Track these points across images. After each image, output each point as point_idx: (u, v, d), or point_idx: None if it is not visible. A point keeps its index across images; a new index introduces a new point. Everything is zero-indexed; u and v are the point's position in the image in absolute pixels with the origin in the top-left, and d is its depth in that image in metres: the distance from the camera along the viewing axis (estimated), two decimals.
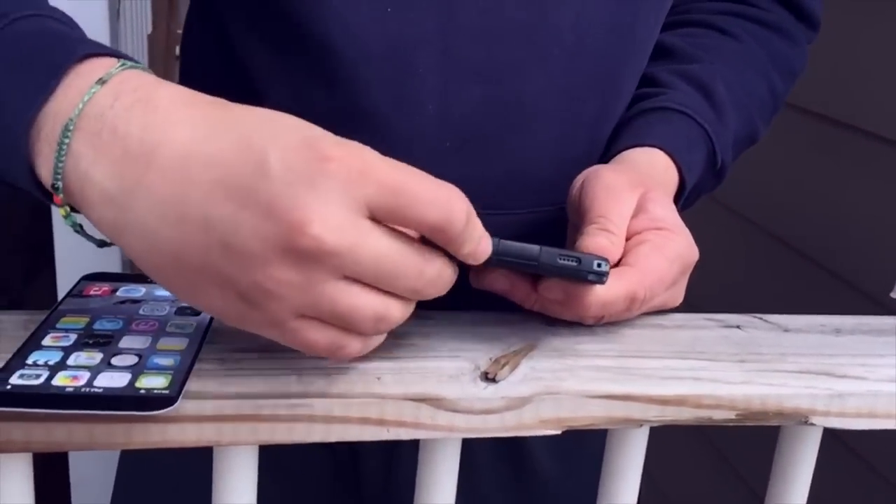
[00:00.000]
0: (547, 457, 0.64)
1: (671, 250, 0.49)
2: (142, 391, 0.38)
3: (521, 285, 0.48)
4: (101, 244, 0.41)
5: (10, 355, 0.40)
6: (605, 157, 0.58)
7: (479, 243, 0.40)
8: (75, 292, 0.47)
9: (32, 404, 0.37)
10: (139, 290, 0.47)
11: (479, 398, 0.42)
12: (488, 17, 0.52)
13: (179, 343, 0.42)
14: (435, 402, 0.42)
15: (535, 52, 0.54)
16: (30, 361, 0.40)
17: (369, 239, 0.36)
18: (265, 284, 0.36)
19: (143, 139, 0.37)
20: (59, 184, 0.38)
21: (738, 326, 0.52)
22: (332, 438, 0.41)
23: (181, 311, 0.45)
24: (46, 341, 0.41)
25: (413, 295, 0.39)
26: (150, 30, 2.23)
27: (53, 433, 0.38)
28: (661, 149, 0.57)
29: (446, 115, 0.53)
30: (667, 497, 1.48)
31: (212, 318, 0.45)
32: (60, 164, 0.37)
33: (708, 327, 0.52)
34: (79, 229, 0.40)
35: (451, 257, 0.40)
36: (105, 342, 0.42)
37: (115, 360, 0.40)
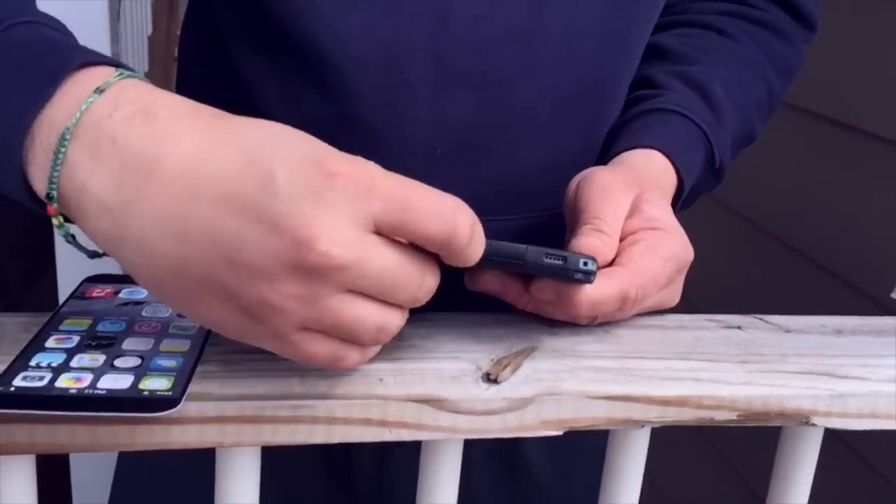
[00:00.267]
0: (541, 457, 0.64)
1: (665, 250, 0.49)
2: (145, 393, 0.38)
3: (514, 286, 0.48)
4: (94, 255, 0.41)
5: (13, 357, 0.40)
6: (603, 160, 0.58)
7: (477, 251, 0.40)
8: (78, 294, 0.47)
9: (36, 406, 0.37)
10: (141, 292, 0.47)
11: (481, 399, 0.42)
12: (480, 25, 0.52)
13: (182, 345, 0.42)
14: (437, 403, 0.42)
15: (528, 60, 0.54)
16: (33, 363, 0.40)
17: (374, 253, 0.36)
18: (270, 299, 0.36)
19: (144, 150, 0.36)
20: (54, 193, 0.37)
21: (738, 327, 0.52)
22: (335, 440, 0.41)
23: None
24: (49, 343, 0.41)
25: (411, 304, 0.39)
26: (150, 31, 2.24)
27: (57, 435, 0.38)
28: (659, 150, 0.57)
29: (438, 123, 0.53)
30: (667, 498, 1.48)
31: None
32: (56, 174, 0.37)
33: (709, 328, 0.52)
34: (71, 240, 0.40)
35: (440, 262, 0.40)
36: (108, 344, 0.42)
37: (118, 362, 0.40)
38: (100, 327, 0.43)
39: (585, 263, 0.44)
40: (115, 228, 0.37)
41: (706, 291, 1.07)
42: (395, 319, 0.39)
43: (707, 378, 0.46)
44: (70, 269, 1.44)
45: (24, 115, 0.37)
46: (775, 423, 0.46)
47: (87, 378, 0.39)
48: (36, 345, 0.41)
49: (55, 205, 0.38)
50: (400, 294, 0.38)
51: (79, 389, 0.38)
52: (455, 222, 0.37)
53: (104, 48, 1.39)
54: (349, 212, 0.36)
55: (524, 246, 0.43)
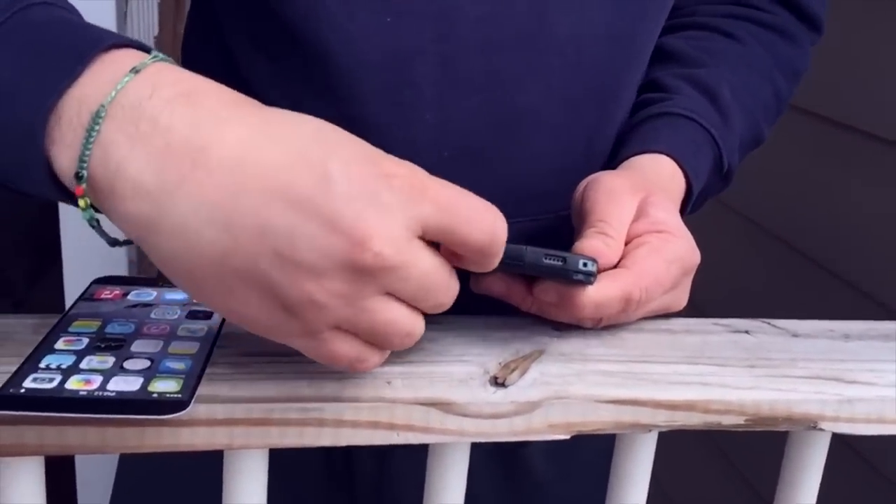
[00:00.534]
0: (543, 459, 0.64)
1: (669, 252, 0.49)
2: (154, 395, 0.38)
3: (518, 288, 0.48)
4: (114, 243, 0.40)
5: (23, 359, 0.40)
6: (612, 164, 0.59)
7: (499, 258, 0.40)
8: (87, 296, 0.47)
9: (46, 408, 0.37)
10: (150, 294, 0.47)
11: (489, 402, 0.42)
12: (486, 28, 0.52)
13: (191, 347, 0.42)
14: (445, 406, 0.42)
15: (534, 63, 0.54)
16: (43, 365, 0.40)
17: (419, 257, 0.37)
18: (315, 296, 0.36)
19: (190, 135, 0.35)
20: (84, 173, 0.36)
21: (746, 331, 0.52)
22: (343, 442, 0.41)
23: (192, 315, 0.45)
24: (59, 345, 0.42)
25: (436, 309, 0.39)
26: (156, 31, 2.24)
27: (66, 436, 0.39)
28: (667, 155, 0.57)
29: (444, 125, 0.53)
30: (673, 502, 1.48)
31: (223, 322, 0.45)
32: (87, 153, 0.35)
33: (716, 332, 0.52)
34: (95, 224, 0.38)
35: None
36: (117, 346, 0.42)
37: (127, 364, 0.40)
38: (109, 329, 0.43)
39: (585, 264, 0.44)
40: (153, 213, 0.35)
41: (713, 295, 1.07)
42: (420, 325, 0.39)
43: (715, 382, 0.46)
44: (77, 268, 1.45)
45: (51, 92, 0.35)
46: (783, 428, 0.46)
47: (97, 380, 0.39)
48: (45, 346, 0.41)
49: (84, 185, 0.36)
50: (431, 299, 0.38)
51: (88, 391, 0.38)
52: (495, 231, 0.38)
53: None
54: (402, 213, 0.36)
55: (523, 246, 0.44)
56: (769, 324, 0.53)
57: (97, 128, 0.35)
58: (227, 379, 0.42)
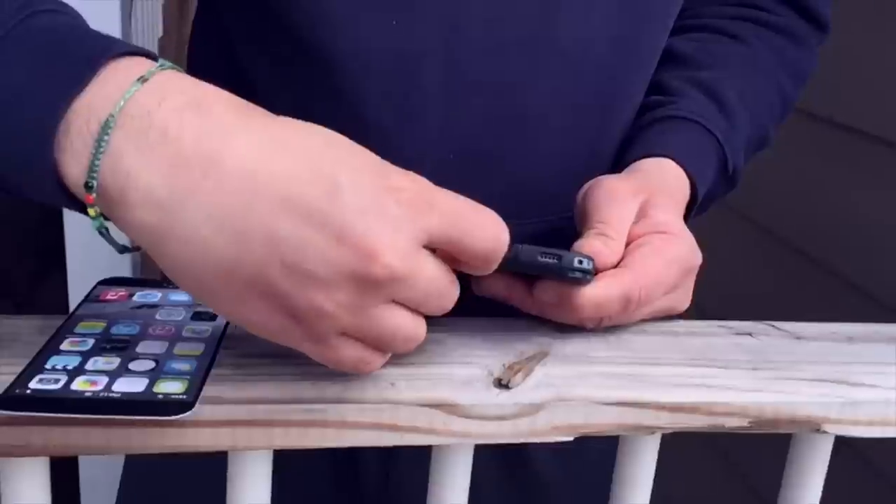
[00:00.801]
0: (547, 461, 0.64)
1: (669, 252, 0.49)
2: (159, 396, 0.38)
3: (518, 289, 0.48)
4: (123, 249, 0.40)
5: (28, 360, 0.40)
6: (617, 167, 0.59)
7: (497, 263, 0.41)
8: (92, 297, 0.47)
9: (51, 409, 0.37)
10: (155, 296, 0.47)
11: (493, 404, 0.43)
12: (493, 32, 0.52)
13: (196, 348, 0.42)
14: (449, 408, 0.42)
15: (540, 66, 0.54)
16: (48, 366, 0.40)
17: (424, 266, 0.38)
18: (323, 305, 0.36)
19: (200, 145, 0.36)
20: (94, 182, 0.36)
21: (749, 334, 0.52)
22: (346, 444, 0.42)
23: (197, 317, 0.45)
24: (64, 346, 0.42)
25: (439, 312, 0.40)
26: (160, 34, 2.24)
27: (71, 437, 0.39)
28: (671, 158, 0.57)
29: (450, 129, 0.53)
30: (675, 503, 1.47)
31: (227, 324, 0.45)
32: (97, 163, 0.36)
33: (720, 334, 0.52)
34: (104, 232, 0.39)
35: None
36: (122, 347, 0.42)
37: (132, 365, 0.40)
38: (114, 330, 0.44)
39: (581, 262, 0.44)
40: (163, 222, 0.36)
41: (717, 298, 1.07)
42: (423, 328, 0.40)
43: (718, 385, 0.46)
44: (81, 269, 1.45)
45: (60, 100, 0.35)
46: (786, 431, 0.46)
47: (102, 381, 0.39)
48: (51, 347, 0.42)
49: (94, 195, 0.36)
50: (434, 303, 0.39)
51: (94, 392, 0.38)
52: (498, 239, 0.40)
53: None
54: (410, 225, 0.37)
55: (518, 244, 0.44)
56: (773, 326, 0.54)
57: (106, 138, 0.36)
58: (232, 380, 0.42)
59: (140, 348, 0.42)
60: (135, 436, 0.39)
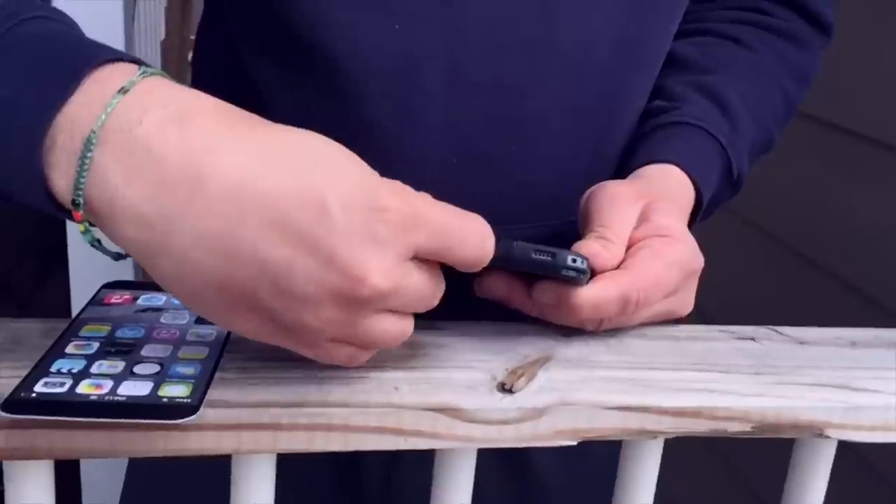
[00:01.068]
0: (550, 466, 0.64)
1: (669, 255, 0.49)
2: (164, 399, 0.39)
3: (518, 290, 0.48)
4: (118, 257, 0.40)
5: (33, 363, 0.41)
6: (621, 174, 0.59)
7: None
8: (96, 300, 0.47)
9: (56, 412, 0.37)
10: (160, 299, 0.48)
11: (496, 409, 0.43)
12: (495, 34, 0.52)
13: (200, 352, 0.43)
14: (452, 412, 0.42)
15: (542, 69, 0.54)
16: (53, 369, 0.40)
17: (410, 276, 0.39)
18: (311, 323, 0.37)
19: (186, 165, 0.35)
20: (81, 199, 0.36)
21: (752, 339, 0.52)
22: (351, 448, 0.42)
23: (201, 321, 0.45)
24: (69, 349, 0.42)
25: (424, 310, 0.42)
26: (162, 36, 2.25)
27: (76, 441, 0.39)
28: (676, 165, 0.57)
29: (452, 131, 0.53)
30: None
31: None
32: (82, 180, 0.36)
33: (722, 339, 0.52)
34: (97, 244, 0.39)
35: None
36: (127, 350, 0.42)
37: (137, 369, 0.41)
38: (119, 334, 0.44)
39: (574, 260, 0.45)
40: (152, 241, 0.36)
41: (719, 302, 1.07)
42: (410, 326, 0.41)
43: (720, 389, 0.46)
44: (83, 271, 1.45)
45: (43, 114, 0.35)
46: (789, 436, 0.46)
47: (107, 384, 0.39)
48: (56, 351, 0.42)
49: (82, 212, 0.36)
50: (421, 306, 0.41)
51: (99, 396, 0.38)
52: (485, 248, 0.41)
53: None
54: (397, 245, 0.38)
55: (512, 241, 0.44)
56: (775, 331, 0.54)
57: (90, 155, 0.35)
58: (236, 384, 0.42)
59: (145, 352, 0.42)
60: (139, 439, 0.39)
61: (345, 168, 0.38)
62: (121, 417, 0.38)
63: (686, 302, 0.52)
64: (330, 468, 0.62)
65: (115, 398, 0.38)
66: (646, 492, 0.47)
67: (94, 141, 0.35)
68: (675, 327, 0.53)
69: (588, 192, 0.53)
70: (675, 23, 0.61)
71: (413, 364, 0.45)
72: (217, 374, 0.41)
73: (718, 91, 0.61)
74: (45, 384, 0.39)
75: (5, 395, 0.38)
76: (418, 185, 0.40)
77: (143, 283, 0.50)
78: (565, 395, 0.44)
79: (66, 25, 0.40)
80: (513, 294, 0.49)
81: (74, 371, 0.40)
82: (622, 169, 0.59)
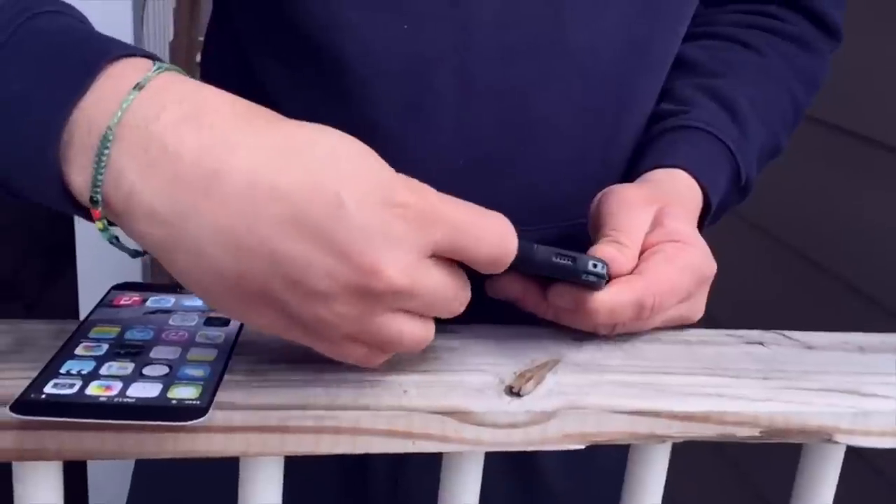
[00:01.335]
0: (557, 472, 0.64)
1: (683, 260, 0.49)
2: (173, 401, 0.39)
3: (533, 292, 0.48)
4: (136, 254, 0.41)
5: (43, 364, 0.41)
6: (629, 177, 0.59)
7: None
8: (106, 302, 0.47)
9: (66, 413, 0.38)
10: (169, 301, 0.48)
11: (504, 412, 0.43)
12: (505, 36, 0.52)
13: (209, 354, 0.43)
14: (461, 415, 0.42)
15: (552, 71, 0.54)
16: (63, 371, 0.40)
17: (427, 275, 0.38)
18: (326, 317, 0.37)
19: (200, 163, 0.36)
20: (98, 196, 0.36)
21: (761, 343, 0.52)
22: (359, 450, 0.42)
23: (210, 322, 0.46)
24: (79, 351, 0.42)
25: (447, 315, 0.41)
26: (171, 37, 2.25)
27: (85, 442, 0.39)
28: (684, 169, 0.57)
29: (462, 134, 0.53)
30: None
31: (240, 330, 0.45)
32: (100, 177, 0.36)
33: (731, 343, 0.52)
34: (115, 241, 0.39)
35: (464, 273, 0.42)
36: (136, 352, 0.42)
37: (146, 371, 0.41)
38: (128, 335, 0.44)
39: (595, 265, 0.44)
40: (168, 237, 0.36)
41: (728, 305, 1.07)
42: (430, 330, 0.41)
43: (729, 394, 0.46)
44: (91, 271, 1.45)
45: (59, 109, 0.35)
46: (797, 441, 0.46)
47: (117, 386, 0.39)
48: (66, 352, 0.42)
49: (100, 209, 0.36)
50: (441, 308, 0.40)
51: (108, 397, 0.38)
52: (506, 246, 0.40)
53: None
54: (413, 242, 0.37)
55: (534, 245, 0.44)
56: (784, 335, 0.53)
57: (106, 152, 0.36)
58: (245, 386, 0.42)
59: (154, 353, 0.42)
60: (148, 441, 0.39)
61: (361, 164, 0.38)
62: (130, 419, 0.38)
63: (698, 308, 0.52)
64: (337, 471, 0.62)
65: (125, 400, 0.38)
66: (653, 496, 0.47)
67: (110, 138, 0.35)
68: (685, 331, 0.53)
69: (599, 195, 0.53)
70: (683, 24, 0.60)
71: (422, 367, 0.45)
72: (226, 377, 0.41)
73: (727, 95, 0.61)
74: (55, 385, 0.39)
75: (15, 397, 0.38)
76: None
77: (153, 285, 0.50)
78: (574, 398, 0.44)
79: (79, 21, 0.40)
80: (527, 296, 0.48)
81: (84, 372, 0.40)
82: (630, 172, 0.59)
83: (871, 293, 1.09)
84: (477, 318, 0.49)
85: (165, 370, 0.41)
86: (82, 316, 0.46)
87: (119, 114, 0.35)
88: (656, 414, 0.44)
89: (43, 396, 0.38)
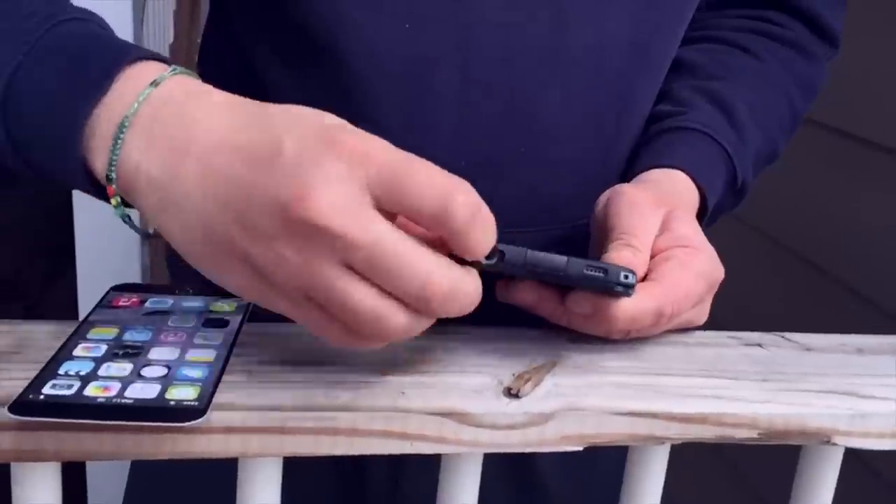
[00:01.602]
0: (555, 474, 0.64)
1: (696, 266, 0.49)
2: (172, 402, 0.39)
3: (549, 299, 0.48)
4: (146, 235, 0.44)
5: (42, 365, 0.41)
6: (626, 177, 0.59)
7: (482, 239, 0.39)
8: (104, 303, 0.47)
9: (64, 414, 0.38)
10: (167, 302, 0.48)
11: (503, 413, 0.43)
12: (508, 37, 0.52)
13: (207, 355, 0.43)
14: (459, 416, 0.42)
15: (554, 72, 0.54)
16: (61, 372, 0.40)
17: (369, 225, 0.37)
18: (270, 258, 0.38)
19: (185, 129, 0.40)
20: (113, 175, 0.41)
21: (759, 345, 0.52)
22: (357, 451, 0.42)
23: (209, 324, 0.46)
24: (77, 352, 0.42)
25: (420, 303, 0.38)
26: (171, 40, 2.25)
27: (83, 443, 0.39)
28: (682, 170, 0.57)
29: (463, 134, 0.53)
30: None
31: (239, 330, 0.45)
32: (115, 157, 0.40)
33: (730, 345, 0.52)
34: (127, 220, 0.43)
35: (473, 272, 0.40)
36: (135, 353, 0.42)
37: (144, 372, 0.41)
38: (127, 336, 0.44)
39: (626, 276, 0.44)
40: (160, 200, 0.40)
41: (727, 308, 1.07)
42: (397, 315, 0.39)
43: (728, 396, 0.46)
44: (91, 272, 1.45)
45: (83, 107, 0.40)
46: (796, 442, 0.46)
47: (115, 387, 0.39)
48: (64, 353, 0.42)
49: (114, 186, 0.41)
50: (399, 283, 0.38)
51: (107, 398, 0.38)
52: (450, 198, 0.38)
53: None
54: (345, 176, 0.37)
55: (565, 257, 0.43)
56: (782, 337, 0.54)
57: (121, 136, 0.40)
58: (243, 387, 0.42)
59: (152, 354, 0.42)
60: (146, 442, 0.39)
61: (312, 119, 0.39)
62: (128, 420, 0.38)
63: (703, 313, 0.52)
64: (335, 472, 0.62)
65: (123, 401, 0.38)
66: (652, 497, 0.47)
67: (125, 125, 0.40)
68: (684, 334, 0.53)
69: (605, 196, 0.53)
70: (683, 26, 0.60)
71: (419, 368, 0.45)
72: (224, 378, 0.41)
73: (725, 98, 0.61)
74: (53, 386, 0.39)
75: (13, 397, 0.38)
76: None
77: (152, 286, 0.50)
78: (572, 400, 0.44)
79: (99, 26, 0.45)
80: (543, 302, 0.48)
81: (82, 373, 0.40)
82: (626, 172, 0.59)
83: (870, 295, 1.09)
84: (473, 321, 0.49)
85: (164, 371, 0.41)
86: (81, 317, 0.46)
87: (136, 106, 0.40)
88: (655, 415, 0.44)
89: (41, 397, 0.38)
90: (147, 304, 0.47)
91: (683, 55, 0.64)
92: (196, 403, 0.39)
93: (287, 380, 0.43)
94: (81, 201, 1.47)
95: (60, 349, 0.42)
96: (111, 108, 0.40)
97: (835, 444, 0.46)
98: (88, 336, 0.44)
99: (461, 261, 0.40)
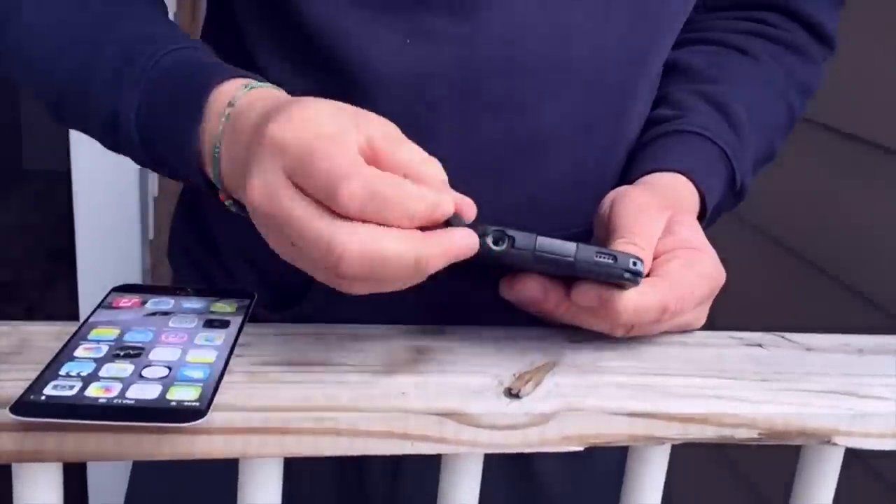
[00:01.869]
0: (555, 476, 0.64)
1: (699, 267, 0.49)
2: (173, 403, 0.39)
3: (555, 292, 0.48)
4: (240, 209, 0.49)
5: (43, 366, 0.41)
6: (625, 181, 0.59)
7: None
8: (105, 304, 0.47)
9: (66, 415, 0.38)
10: (168, 303, 0.48)
11: (503, 414, 0.43)
12: (508, 51, 0.52)
13: (208, 355, 0.43)
14: (459, 417, 0.42)
15: (553, 86, 0.54)
16: (63, 372, 0.40)
17: (282, 203, 0.41)
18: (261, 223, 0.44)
19: (246, 125, 0.46)
20: (220, 185, 0.48)
21: (760, 345, 0.52)
22: (357, 452, 0.42)
23: (209, 324, 0.46)
24: (79, 352, 0.42)
25: (329, 269, 0.41)
26: None
27: (85, 443, 0.39)
28: (682, 173, 0.57)
29: (461, 146, 0.53)
30: None
31: (240, 331, 0.45)
32: (217, 170, 0.48)
33: (730, 345, 0.52)
34: (235, 209, 0.49)
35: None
36: (136, 354, 0.42)
37: (145, 372, 0.41)
38: (128, 337, 0.44)
39: (635, 263, 0.44)
40: (233, 173, 0.47)
41: (727, 308, 1.07)
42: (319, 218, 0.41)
43: (728, 396, 0.46)
44: (91, 274, 1.46)
45: (191, 135, 0.48)
46: (796, 443, 0.46)
47: (116, 387, 0.39)
48: (65, 354, 0.42)
49: (222, 192, 0.49)
50: (306, 251, 0.41)
51: (108, 399, 0.39)
52: (336, 188, 0.40)
53: None
54: (267, 166, 0.42)
55: (574, 243, 0.43)
56: (783, 337, 0.54)
57: (217, 151, 0.48)
58: (244, 388, 0.42)
59: (153, 355, 0.42)
60: (147, 442, 0.40)
61: (262, 115, 0.44)
62: (129, 421, 0.38)
63: (702, 316, 0.52)
64: (335, 472, 0.62)
65: (124, 401, 0.38)
66: (652, 497, 0.47)
67: (218, 146, 0.47)
68: (685, 334, 0.53)
69: (609, 197, 0.53)
70: (674, 34, 0.61)
71: (420, 369, 0.45)
72: (225, 378, 0.42)
73: (723, 101, 0.61)
74: (55, 387, 0.39)
75: (15, 398, 0.38)
76: None
77: (153, 287, 0.50)
78: (572, 400, 0.44)
79: (191, 50, 0.51)
80: (548, 295, 0.48)
81: (84, 374, 0.40)
82: (625, 176, 0.59)
83: (871, 295, 1.09)
84: (474, 321, 0.49)
85: (165, 372, 0.41)
86: (82, 318, 0.46)
87: (220, 127, 0.47)
88: (655, 416, 0.44)
89: (43, 398, 0.38)
90: (148, 305, 0.47)
91: (680, 57, 0.64)
92: (197, 404, 0.39)
93: (288, 380, 0.43)
94: (82, 203, 1.47)
95: (62, 350, 0.42)
96: (209, 131, 0.48)
97: (835, 445, 0.46)
98: (90, 337, 0.44)
99: (479, 253, 0.42)
